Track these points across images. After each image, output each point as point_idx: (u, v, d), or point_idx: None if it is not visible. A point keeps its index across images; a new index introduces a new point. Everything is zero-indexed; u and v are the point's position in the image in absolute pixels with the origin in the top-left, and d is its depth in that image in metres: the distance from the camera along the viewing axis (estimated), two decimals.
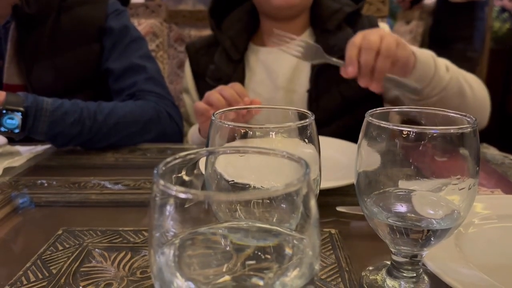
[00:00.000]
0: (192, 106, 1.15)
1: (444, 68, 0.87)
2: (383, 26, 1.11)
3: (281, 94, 1.06)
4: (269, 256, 0.29)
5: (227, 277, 0.28)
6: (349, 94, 1.02)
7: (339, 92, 1.02)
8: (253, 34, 1.12)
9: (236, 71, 1.07)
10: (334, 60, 0.86)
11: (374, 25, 1.08)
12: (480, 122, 0.95)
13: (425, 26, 2.13)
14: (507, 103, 3.53)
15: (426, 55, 0.86)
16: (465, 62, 2.53)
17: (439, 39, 2.51)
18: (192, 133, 1.09)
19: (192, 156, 0.30)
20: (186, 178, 0.31)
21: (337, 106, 1.02)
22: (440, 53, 1.13)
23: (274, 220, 0.33)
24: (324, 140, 0.84)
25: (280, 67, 1.07)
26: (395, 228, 0.40)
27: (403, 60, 0.80)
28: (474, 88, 0.91)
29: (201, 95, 1.13)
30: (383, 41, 0.77)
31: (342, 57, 0.96)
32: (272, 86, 1.07)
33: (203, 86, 1.11)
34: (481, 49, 2.77)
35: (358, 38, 0.80)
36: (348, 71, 0.79)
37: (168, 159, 0.29)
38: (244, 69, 1.09)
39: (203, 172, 0.37)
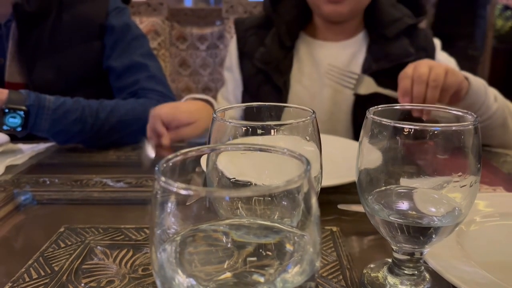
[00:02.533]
0: (233, 84, 1.13)
1: (493, 97, 0.89)
2: (436, 42, 1.09)
3: (327, 92, 1.05)
4: (270, 253, 0.29)
5: (228, 274, 0.28)
6: (396, 102, 1.00)
7: (386, 99, 1.00)
8: (306, 23, 1.10)
9: (286, 58, 1.05)
10: (387, 92, 0.89)
11: (429, 39, 1.07)
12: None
13: (428, 23, 2.12)
14: (509, 101, 3.52)
15: (478, 82, 0.87)
16: (466, 60, 2.50)
17: (440, 36, 2.49)
18: None
19: (194, 153, 0.30)
20: (187, 175, 0.31)
21: None
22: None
23: (275, 217, 0.33)
24: (326, 138, 0.84)
25: (330, 64, 1.04)
26: (396, 225, 0.40)
27: (454, 87, 0.82)
28: None
29: (244, 75, 1.11)
30: (431, 72, 0.80)
31: (396, 66, 0.97)
32: (320, 82, 1.06)
33: (248, 66, 1.09)
34: (482, 47, 2.75)
35: (410, 69, 0.82)
36: (403, 101, 0.83)
37: (170, 156, 0.29)
38: (292, 58, 1.07)
39: (205, 169, 0.37)
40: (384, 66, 1.00)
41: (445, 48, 1.11)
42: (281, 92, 1.02)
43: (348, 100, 1.03)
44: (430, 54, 1.05)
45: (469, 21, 2.58)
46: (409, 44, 1.02)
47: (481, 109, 0.87)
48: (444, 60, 1.06)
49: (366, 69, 1.01)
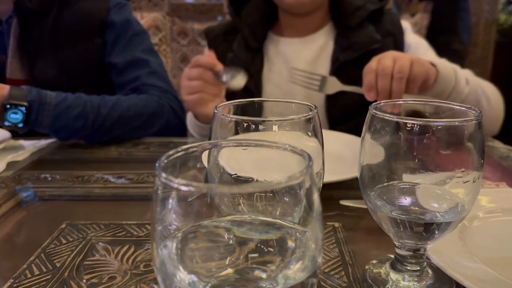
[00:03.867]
0: None
1: (464, 81, 0.87)
2: (405, 25, 1.09)
3: (299, 88, 1.04)
4: (272, 249, 0.29)
5: (229, 270, 0.28)
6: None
7: (359, 92, 1.00)
8: (272, 23, 1.11)
9: (254, 60, 1.06)
10: (352, 89, 0.88)
11: (396, 22, 1.06)
12: (492, 132, 0.95)
13: (430, 19, 2.10)
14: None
15: (448, 68, 0.85)
16: (450, 55, 2.46)
17: (430, 32, 2.45)
18: (190, 121, 1.06)
19: (195, 149, 0.30)
20: (188, 171, 0.31)
21: (355, 105, 1.00)
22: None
23: (277, 213, 0.33)
24: (328, 134, 0.84)
25: (299, 59, 1.06)
26: (399, 221, 0.40)
27: (422, 77, 0.80)
28: (491, 100, 0.91)
29: None
30: (396, 64, 0.78)
31: (362, 55, 0.97)
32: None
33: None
34: (468, 41, 2.69)
35: (374, 63, 0.81)
36: (369, 96, 0.81)
37: (170, 152, 0.28)
38: (262, 59, 1.07)
39: (206, 165, 0.36)
40: (350, 56, 1.00)
41: (432, 43, 1.10)
42: (253, 94, 1.03)
43: (320, 94, 1.03)
44: (398, 38, 1.04)
45: (450, 15, 2.53)
46: (374, 31, 1.02)
47: (451, 95, 0.85)
48: (414, 42, 1.06)
49: (335, 61, 1.02)
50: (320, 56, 1.05)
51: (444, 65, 0.86)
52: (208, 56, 0.87)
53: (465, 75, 0.89)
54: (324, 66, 1.04)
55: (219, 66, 0.85)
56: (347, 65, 1.00)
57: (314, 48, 1.06)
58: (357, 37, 1.01)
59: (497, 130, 0.98)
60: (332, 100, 1.02)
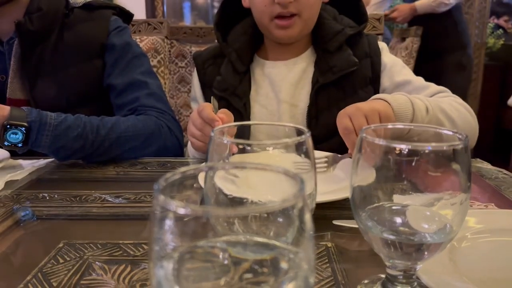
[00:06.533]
0: None
1: (424, 111, 0.88)
2: (382, 45, 1.14)
3: (284, 107, 1.09)
4: (265, 270, 0.30)
5: None
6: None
7: (339, 110, 1.03)
8: (258, 46, 1.15)
9: (242, 83, 1.10)
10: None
11: (373, 45, 1.11)
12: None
13: (421, 42, 2.14)
14: (501, 117, 3.56)
15: (404, 105, 0.86)
16: (461, 70, 2.44)
17: (429, 52, 2.41)
18: (189, 148, 1.09)
19: (192, 172, 0.31)
20: (185, 192, 0.32)
21: (335, 124, 1.03)
22: (433, 67, 1.14)
23: (271, 234, 0.34)
24: (323, 154, 0.86)
25: (283, 81, 1.10)
26: (389, 242, 0.41)
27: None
28: (455, 120, 0.92)
29: None
30: (368, 121, 0.80)
31: (341, 76, 1.04)
32: (276, 99, 1.10)
33: (209, 96, 1.12)
34: (472, 53, 2.67)
35: (348, 121, 0.81)
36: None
37: (168, 175, 0.30)
38: (250, 81, 1.12)
39: (202, 186, 0.38)
40: (329, 78, 1.05)
41: (436, 62, 1.13)
42: (242, 115, 1.07)
43: (303, 114, 1.08)
44: (374, 60, 1.10)
45: (452, 30, 2.51)
46: (351, 54, 1.07)
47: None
48: (389, 62, 1.10)
49: (315, 83, 1.07)
50: (302, 78, 1.10)
51: (400, 101, 0.86)
52: (208, 109, 0.88)
53: (425, 104, 0.89)
54: (305, 88, 1.09)
55: (217, 124, 0.85)
56: (327, 87, 1.05)
57: (297, 71, 1.11)
58: (336, 60, 1.06)
59: (473, 145, 0.98)
60: (313, 119, 1.06)
